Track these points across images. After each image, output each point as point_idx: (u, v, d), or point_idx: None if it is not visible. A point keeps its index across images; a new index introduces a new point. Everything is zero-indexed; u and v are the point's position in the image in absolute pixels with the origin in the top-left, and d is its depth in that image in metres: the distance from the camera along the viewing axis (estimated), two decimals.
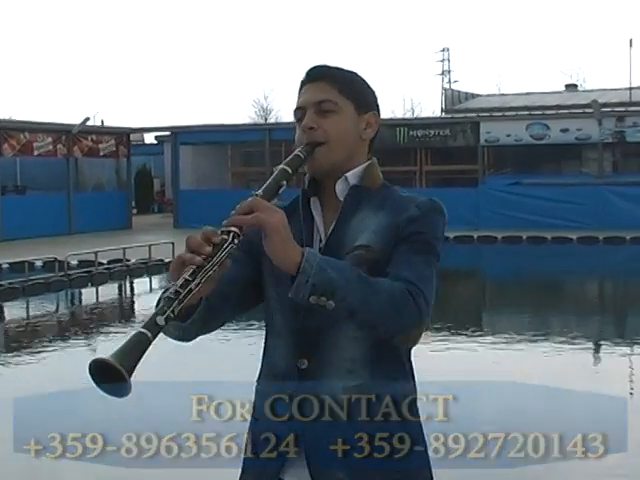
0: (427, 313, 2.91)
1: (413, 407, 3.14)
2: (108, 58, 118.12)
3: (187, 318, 2.92)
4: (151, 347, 2.68)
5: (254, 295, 3.25)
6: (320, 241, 3.16)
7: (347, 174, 3.18)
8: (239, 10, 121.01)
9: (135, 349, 2.60)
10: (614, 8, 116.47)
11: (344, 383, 3.03)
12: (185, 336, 3.12)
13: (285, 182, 3.08)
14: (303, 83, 3.26)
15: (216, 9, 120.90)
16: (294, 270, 2.77)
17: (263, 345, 3.30)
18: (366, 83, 3.31)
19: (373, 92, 3.34)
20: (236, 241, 2.82)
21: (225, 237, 2.82)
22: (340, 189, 3.19)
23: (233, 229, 2.83)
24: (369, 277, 2.88)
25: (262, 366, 3.29)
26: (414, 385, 3.19)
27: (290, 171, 3.08)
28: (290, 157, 3.11)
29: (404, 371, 3.17)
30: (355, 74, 3.29)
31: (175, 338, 3.14)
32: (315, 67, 3.26)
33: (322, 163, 3.13)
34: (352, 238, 3.06)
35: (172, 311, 2.66)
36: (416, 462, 3.12)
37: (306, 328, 3.05)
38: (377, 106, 3.35)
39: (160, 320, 2.64)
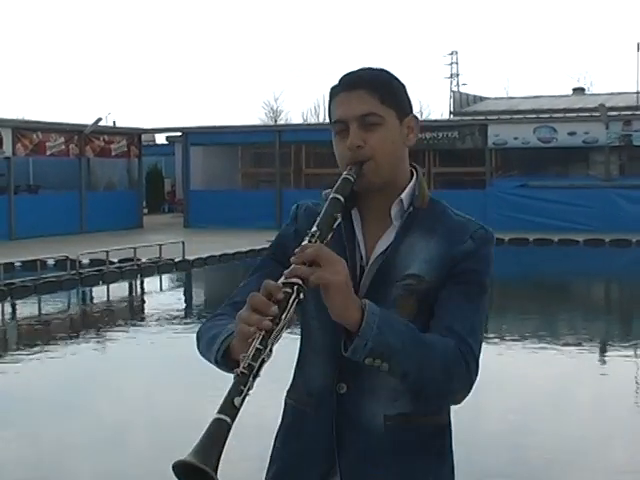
0: (476, 374, 2.83)
1: (446, 432, 3.05)
2: (121, 59, 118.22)
3: None
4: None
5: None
6: (361, 259, 2.98)
7: (402, 196, 2.98)
8: (250, 12, 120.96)
9: (217, 441, 2.37)
10: (622, 12, 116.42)
11: (386, 411, 2.91)
12: None
13: (340, 214, 2.82)
14: (337, 91, 2.99)
15: (227, 12, 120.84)
16: (354, 328, 2.63)
17: (298, 355, 3.16)
18: (400, 82, 3.06)
19: (405, 90, 3.08)
20: (302, 295, 2.60)
21: (289, 291, 2.58)
22: (395, 212, 2.98)
23: (296, 281, 2.59)
24: (424, 338, 2.75)
25: (295, 379, 3.15)
26: (449, 414, 3.07)
27: (342, 200, 2.82)
28: (339, 182, 2.86)
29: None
30: (389, 74, 3.04)
31: None
32: (351, 73, 3.00)
33: (372, 180, 2.92)
34: (402, 264, 2.91)
35: (248, 388, 2.47)
36: None
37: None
38: (411, 105, 3.10)
39: (237, 401, 2.44)
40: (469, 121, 42.36)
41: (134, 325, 21.26)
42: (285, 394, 3.17)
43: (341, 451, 2.91)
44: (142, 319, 22.38)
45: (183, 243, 28.12)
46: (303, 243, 2.69)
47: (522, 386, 13.79)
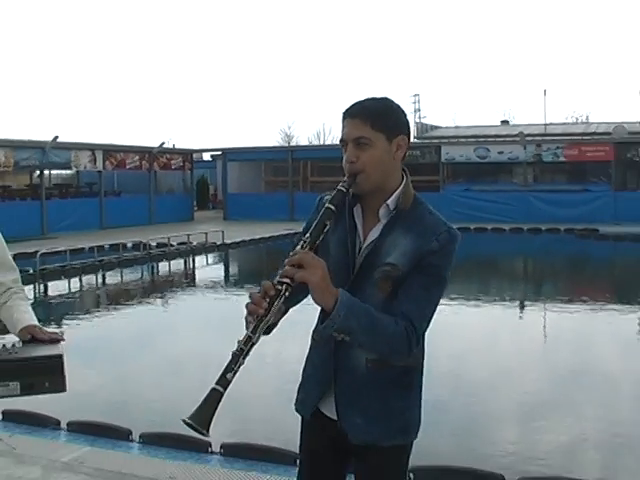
0: (415, 347, 2.85)
1: (415, 372, 3.05)
2: (177, 98, 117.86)
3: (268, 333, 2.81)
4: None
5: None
6: (360, 242, 2.98)
7: (388, 201, 2.96)
8: (268, 62, 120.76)
9: (210, 405, 2.55)
10: (533, 66, 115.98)
11: (368, 355, 2.92)
12: None
13: (329, 221, 2.82)
14: (344, 117, 2.96)
15: (254, 62, 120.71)
16: (329, 311, 2.67)
17: (318, 315, 3.01)
18: (396, 109, 3.02)
19: (402, 115, 3.05)
20: (287, 293, 2.66)
21: (279, 288, 2.65)
22: (382, 213, 2.95)
23: (286, 280, 2.65)
24: (378, 322, 2.76)
25: (316, 324, 3.03)
26: (421, 358, 3.07)
27: (334, 209, 2.82)
28: (334, 193, 2.86)
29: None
30: (386, 103, 3.00)
31: None
32: (353, 105, 2.97)
33: (363, 187, 2.91)
34: (385, 253, 2.89)
35: (238, 366, 2.57)
36: (414, 418, 3.08)
37: None
38: (407, 127, 3.06)
39: (229, 376, 2.56)
40: (428, 143, 42.35)
41: (188, 289, 21.40)
42: (311, 333, 3.15)
43: (336, 380, 2.99)
44: (194, 285, 22.51)
45: (223, 232, 28.23)
46: (296, 248, 2.75)
47: (464, 331, 13.91)
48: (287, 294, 2.68)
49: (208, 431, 2.53)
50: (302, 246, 2.76)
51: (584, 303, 17.06)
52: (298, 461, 3.36)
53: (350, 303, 2.72)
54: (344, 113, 2.97)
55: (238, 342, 2.62)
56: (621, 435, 8.19)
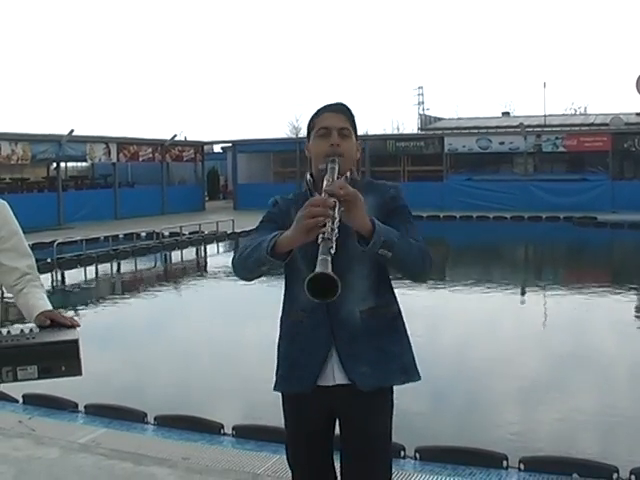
0: (431, 265, 3.12)
1: (400, 318, 3.25)
2: (189, 91, 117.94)
3: (283, 261, 2.96)
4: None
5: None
6: None
7: (346, 174, 3.18)
8: (280, 60, 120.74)
9: (326, 265, 2.60)
10: (533, 59, 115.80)
11: (359, 307, 3.11)
12: (258, 275, 3.12)
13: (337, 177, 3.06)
14: (324, 111, 3.28)
15: (266, 60, 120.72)
16: (368, 233, 2.85)
17: (284, 292, 3.30)
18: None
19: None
20: (340, 208, 2.81)
21: (334, 201, 2.79)
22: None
23: (335, 200, 2.80)
24: (408, 239, 3.01)
25: (285, 307, 3.28)
26: (398, 305, 3.27)
27: (337, 170, 3.07)
28: (330, 168, 3.07)
29: (393, 297, 3.27)
30: (353, 113, 3.34)
31: (250, 277, 3.17)
32: (337, 103, 3.29)
33: (340, 169, 3.10)
34: None
35: (331, 247, 2.69)
36: (410, 360, 3.25)
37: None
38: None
39: (332, 251, 2.67)
40: (431, 134, 42.25)
41: (200, 276, 21.47)
42: (279, 321, 3.31)
43: (336, 339, 3.11)
44: (205, 272, 22.59)
45: (233, 221, 28.21)
46: (325, 184, 2.93)
47: (467, 316, 13.94)
48: (341, 210, 2.82)
49: (334, 275, 2.60)
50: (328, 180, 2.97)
51: (583, 288, 17.09)
52: (288, 440, 3.37)
53: (383, 225, 2.93)
54: (325, 108, 3.30)
55: (322, 233, 2.74)
56: (618, 415, 8.20)
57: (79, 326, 3.34)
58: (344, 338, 3.12)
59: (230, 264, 3.28)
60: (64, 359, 3.16)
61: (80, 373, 3.19)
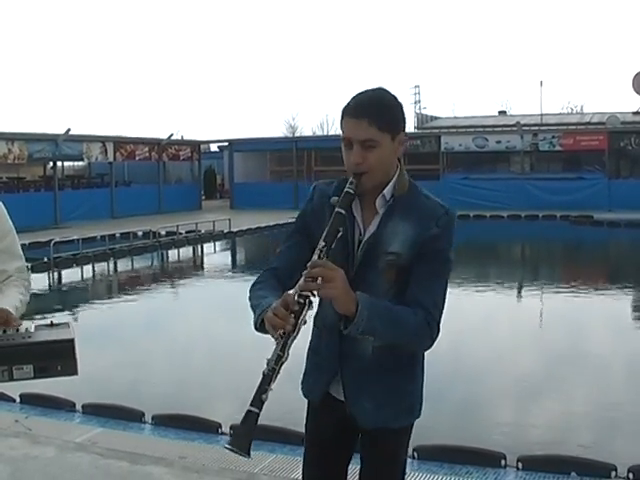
0: (437, 335, 2.83)
1: (419, 356, 3.06)
2: (185, 90, 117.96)
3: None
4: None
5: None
6: (360, 234, 2.91)
7: (384, 192, 2.89)
8: (277, 60, 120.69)
9: (248, 428, 2.49)
10: (530, 58, 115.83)
11: (374, 343, 2.85)
12: None
13: (342, 228, 2.75)
14: (347, 113, 2.84)
15: (264, 58, 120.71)
16: (352, 316, 2.61)
17: (318, 302, 2.97)
18: (395, 105, 2.89)
19: (401, 109, 2.93)
20: (312, 306, 2.65)
21: (302, 302, 2.60)
22: (379, 204, 2.88)
23: (307, 294, 2.61)
24: (399, 316, 2.74)
25: (317, 313, 3.07)
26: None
27: (344, 213, 2.76)
28: (343, 196, 2.78)
29: None
30: (386, 98, 2.88)
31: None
32: (357, 103, 2.83)
33: (366, 186, 2.81)
34: (386, 242, 2.84)
35: (270, 386, 2.53)
36: (418, 398, 3.07)
37: None
38: (405, 120, 2.95)
39: (264, 397, 2.52)
40: (428, 133, 42.25)
41: (197, 275, 21.48)
42: (313, 318, 3.09)
43: (343, 367, 2.95)
44: (202, 271, 22.60)
45: (229, 220, 28.24)
46: (313, 257, 2.67)
47: (465, 314, 13.94)
48: (311, 306, 2.64)
49: (249, 454, 2.48)
50: (319, 256, 2.68)
51: (580, 287, 17.09)
52: (305, 444, 3.30)
53: (370, 304, 2.68)
54: (346, 111, 2.85)
55: (268, 361, 2.57)
56: (616, 413, 8.20)
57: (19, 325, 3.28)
58: (351, 369, 2.96)
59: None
60: (60, 358, 3.14)
61: (76, 372, 3.18)
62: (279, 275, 2.99)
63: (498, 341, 11.92)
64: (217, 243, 27.31)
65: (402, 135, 2.89)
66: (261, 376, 2.56)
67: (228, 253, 27.42)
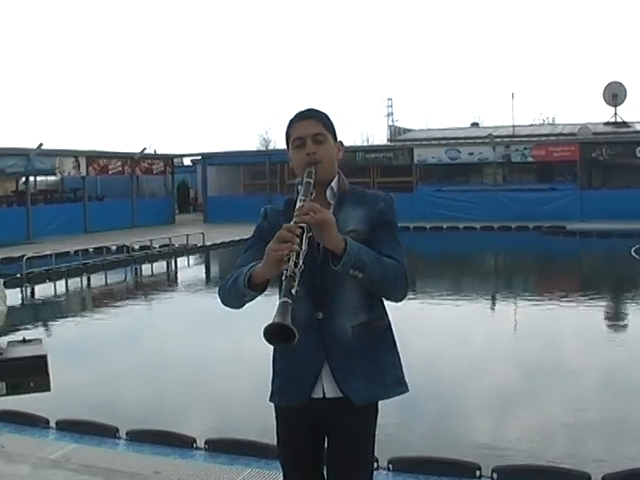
0: (408, 285, 3.15)
1: (390, 330, 3.31)
2: (158, 105, 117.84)
3: (262, 292, 3.06)
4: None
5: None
6: None
7: (332, 184, 3.27)
8: (250, 73, 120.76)
9: (286, 311, 2.66)
10: (501, 70, 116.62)
11: (351, 323, 3.16)
12: (244, 304, 3.19)
13: (313, 190, 3.11)
14: (296, 120, 3.29)
15: (237, 72, 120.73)
16: (340, 252, 2.91)
17: None
18: (333, 123, 3.36)
19: (334, 125, 3.38)
20: (308, 233, 2.89)
21: (302, 227, 2.86)
22: (329, 194, 3.26)
23: (303, 225, 2.87)
24: (382, 258, 3.06)
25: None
26: (389, 318, 3.32)
27: (312, 183, 3.12)
28: (304, 186, 3.13)
29: (384, 310, 3.30)
30: (327, 115, 3.35)
31: (237, 306, 3.21)
32: (307, 110, 3.31)
33: (320, 176, 3.19)
34: (344, 224, 3.12)
35: (296, 286, 2.75)
36: (401, 372, 3.32)
37: (319, 290, 3.13)
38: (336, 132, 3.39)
39: (293, 290, 2.73)
40: (401, 146, 42.33)
41: (170, 289, 21.41)
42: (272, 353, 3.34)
43: (328, 355, 3.16)
44: (176, 285, 22.53)
45: (203, 234, 28.21)
46: (297, 205, 2.98)
47: (438, 326, 13.99)
48: (310, 233, 2.90)
49: (289, 323, 2.65)
50: (301, 200, 3.01)
51: (553, 297, 17.19)
52: (280, 453, 3.42)
53: (357, 244, 3.01)
54: (296, 117, 3.31)
55: (285, 269, 2.80)
56: (589, 422, 8.25)
57: None
58: (337, 354, 3.16)
59: (217, 294, 3.28)
60: (33, 375, 3.13)
61: (49, 389, 3.18)
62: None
63: (472, 352, 11.94)
64: (191, 257, 27.19)
65: (339, 143, 3.39)
66: (285, 279, 2.80)
67: (202, 267, 27.36)
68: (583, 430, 8.04)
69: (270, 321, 2.66)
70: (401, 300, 3.23)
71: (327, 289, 3.15)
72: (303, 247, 2.85)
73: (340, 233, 3.02)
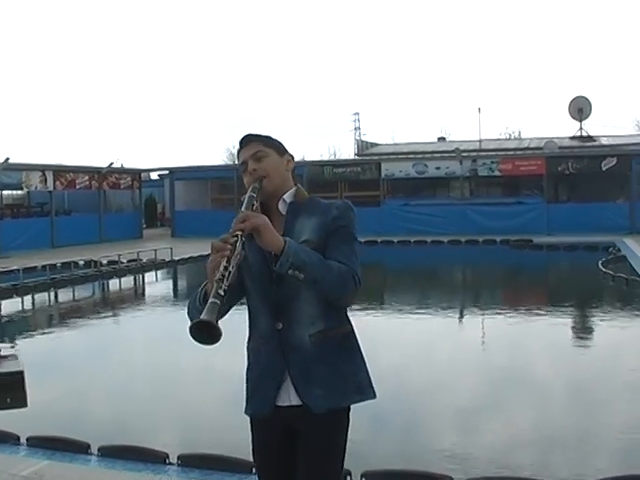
0: (359, 284, 3.14)
1: (352, 337, 3.36)
2: (125, 120, 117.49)
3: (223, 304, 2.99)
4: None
5: (242, 291, 3.36)
6: None
7: (284, 196, 3.34)
8: (212, 86, 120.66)
9: (214, 310, 2.73)
10: (467, 84, 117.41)
11: (309, 332, 3.22)
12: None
13: (256, 202, 3.20)
14: (240, 148, 3.41)
15: (197, 86, 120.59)
16: (279, 252, 2.98)
17: (248, 320, 3.43)
18: (275, 139, 3.45)
19: (280, 143, 3.46)
20: (243, 239, 2.96)
21: (236, 238, 2.95)
22: (282, 206, 3.34)
23: (239, 233, 2.96)
24: (326, 260, 3.11)
25: (250, 334, 3.41)
26: (350, 324, 3.37)
27: (255, 197, 3.21)
28: (246, 199, 3.21)
29: (344, 317, 3.35)
30: (268, 135, 3.46)
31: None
32: (245, 136, 3.42)
33: (268, 189, 3.28)
34: (297, 234, 3.21)
35: (224, 286, 2.81)
36: (364, 379, 3.35)
37: (277, 302, 3.22)
38: (285, 149, 3.46)
39: (221, 291, 2.79)
40: (368, 160, 42.55)
41: (139, 304, 21.30)
42: (245, 346, 3.46)
43: (288, 364, 3.23)
44: (144, 300, 22.43)
45: (171, 248, 28.16)
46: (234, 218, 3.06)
47: (405, 337, 14.02)
48: (243, 240, 2.97)
49: (217, 323, 2.72)
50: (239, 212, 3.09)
51: (520, 310, 17.28)
52: (256, 464, 3.53)
53: (298, 245, 3.08)
54: (239, 146, 3.41)
55: (216, 274, 2.88)
56: (557, 434, 8.31)
57: None
58: (296, 363, 3.22)
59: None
60: (9, 391, 3.14)
61: (25, 405, 3.19)
62: None
63: (439, 365, 11.99)
64: (159, 272, 27.10)
65: (289, 156, 3.47)
66: (214, 283, 2.86)
67: (170, 282, 27.28)
68: (551, 441, 8.09)
69: (195, 320, 2.75)
70: (349, 304, 3.34)
71: (285, 300, 3.22)
72: (236, 252, 2.91)
73: (296, 241, 3.12)
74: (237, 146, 3.44)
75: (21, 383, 3.15)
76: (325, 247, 3.21)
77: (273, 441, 3.37)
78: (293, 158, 3.49)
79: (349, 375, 3.30)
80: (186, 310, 3.28)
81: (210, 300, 2.78)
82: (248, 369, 3.43)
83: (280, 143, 3.45)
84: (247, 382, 3.42)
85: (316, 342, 3.23)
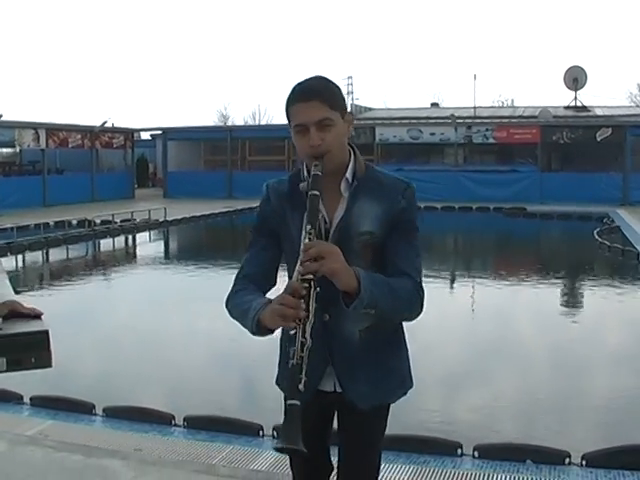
0: (423, 302, 2.89)
1: (400, 329, 3.11)
2: (118, 79, 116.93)
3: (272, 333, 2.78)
4: None
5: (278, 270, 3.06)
6: (325, 223, 2.89)
7: (346, 175, 2.91)
8: (208, 54, 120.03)
9: (293, 421, 2.48)
10: (464, 51, 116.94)
11: (359, 327, 2.92)
12: None
13: (320, 206, 2.78)
14: (295, 101, 2.82)
15: (194, 52, 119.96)
16: (353, 292, 2.62)
17: None
18: (337, 87, 2.91)
19: (341, 91, 2.94)
20: (318, 288, 2.61)
21: (307, 286, 2.57)
22: (343, 187, 2.90)
23: (310, 277, 2.58)
24: (394, 287, 2.78)
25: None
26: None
27: (319, 193, 2.73)
28: (312, 179, 2.76)
29: None
30: (330, 82, 2.89)
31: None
32: (307, 88, 2.83)
33: (329, 166, 2.80)
34: (357, 223, 2.87)
35: (302, 374, 2.52)
36: (407, 370, 3.16)
37: (325, 293, 2.72)
38: (345, 102, 2.97)
39: (300, 387, 2.51)
40: (362, 125, 42.29)
41: (132, 263, 21.31)
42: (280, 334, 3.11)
43: (333, 356, 2.96)
44: (137, 260, 22.42)
45: (165, 209, 28.11)
46: (304, 241, 2.66)
47: None
48: (318, 289, 2.61)
49: (300, 445, 2.44)
50: (309, 239, 2.66)
51: (513, 278, 17.35)
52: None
53: (369, 276, 2.70)
54: (294, 98, 2.84)
55: (293, 352, 2.56)
56: (568, 401, 8.31)
57: (42, 314, 3.26)
58: (342, 359, 2.99)
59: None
60: (34, 350, 3.09)
61: (50, 365, 3.13)
62: (254, 280, 2.99)
63: (428, 333, 11.99)
64: (153, 232, 27.08)
65: (349, 115, 2.92)
66: (290, 368, 2.56)
67: (163, 242, 27.28)
68: (563, 408, 8.09)
69: (280, 438, 2.51)
70: (413, 319, 2.98)
71: (335, 292, 2.73)
72: (310, 317, 2.58)
73: (354, 232, 2.86)
74: (283, 101, 2.88)
75: (46, 343, 3.09)
76: (387, 243, 2.91)
77: (309, 421, 2.92)
78: (353, 116, 3.00)
79: (395, 370, 3.10)
80: (226, 303, 2.98)
81: (287, 403, 2.52)
82: (285, 350, 3.08)
83: (342, 97, 2.92)
84: (283, 364, 3.11)
85: (365, 337, 2.97)
